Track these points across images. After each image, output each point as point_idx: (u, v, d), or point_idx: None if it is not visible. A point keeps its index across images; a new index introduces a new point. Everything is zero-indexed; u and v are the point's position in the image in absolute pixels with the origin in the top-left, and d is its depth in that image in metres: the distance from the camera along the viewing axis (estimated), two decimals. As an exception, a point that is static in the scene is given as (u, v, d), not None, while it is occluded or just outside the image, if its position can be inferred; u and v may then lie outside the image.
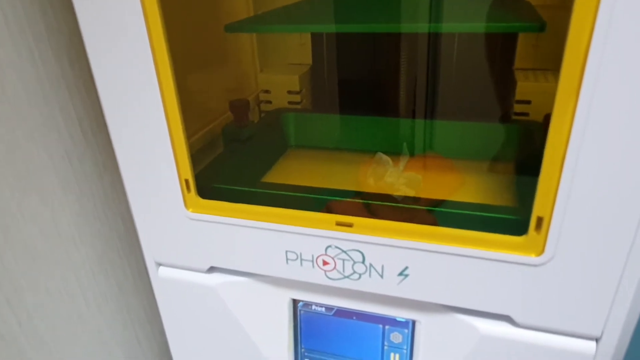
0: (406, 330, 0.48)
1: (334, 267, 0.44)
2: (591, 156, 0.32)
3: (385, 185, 0.47)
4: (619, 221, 0.34)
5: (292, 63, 0.69)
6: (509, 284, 0.39)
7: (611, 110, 0.30)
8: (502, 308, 0.41)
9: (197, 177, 0.45)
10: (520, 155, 0.53)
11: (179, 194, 0.45)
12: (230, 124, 0.61)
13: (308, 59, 0.66)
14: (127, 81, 0.41)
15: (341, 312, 0.50)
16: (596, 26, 0.29)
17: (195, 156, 0.46)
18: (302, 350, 0.54)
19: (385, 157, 0.49)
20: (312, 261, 0.45)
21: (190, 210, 0.46)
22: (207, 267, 0.50)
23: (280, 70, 0.67)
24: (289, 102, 0.66)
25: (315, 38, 0.63)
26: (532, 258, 0.37)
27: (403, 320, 0.47)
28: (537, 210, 0.36)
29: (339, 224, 0.42)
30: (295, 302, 0.51)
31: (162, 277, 0.53)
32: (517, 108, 0.54)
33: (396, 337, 0.49)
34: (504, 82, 0.56)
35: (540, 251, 0.37)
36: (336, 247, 0.43)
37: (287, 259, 0.45)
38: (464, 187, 0.50)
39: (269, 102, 0.67)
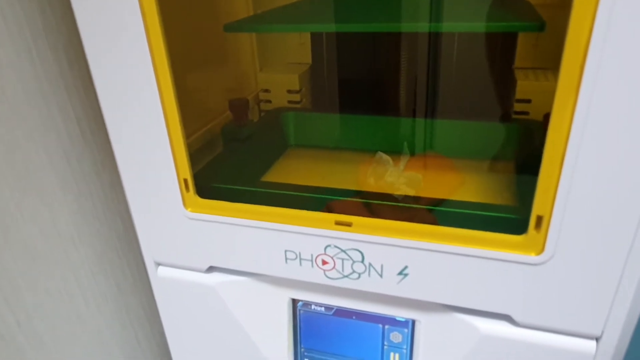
0: (406, 330, 0.48)
1: (334, 267, 0.44)
2: (591, 155, 0.32)
3: (386, 184, 0.47)
4: (618, 220, 0.34)
5: (291, 62, 0.69)
6: (509, 283, 0.39)
7: (610, 109, 0.30)
8: (502, 307, 0.41)
9: (196, 177, 0.45)
10: (520, 154, 0.53)
11: (178, 194, 0.45)
12: (229, 124, 0.61)
13: (308, 58, 0.66)
14: (126, 80, 0.41)
15: (341, 312, 0.50)
16: (595, 25, 0.29)
17: (195, 155, 0.46)
18: (302, 350, 0.53)
19: (385, 156, 0.49)
20: (312, 261, 0.44)
21: (189, 209, 0.46)
22: (207, 266, 0.50)
23: (280, 70, 0.67)
24: (289, 102, 0.66)
25: (315, 37, 0.63)
26: (532, 257, 0.37)
27: (403, 319, 0.47)
28: (536, 209, 0.36)
29: (338, 223, 0.42)
30: (294, 301, 0.51)
31: (161, 276, 0.53)
32: (517, 107, 0.54)
33: (396, 336, 0.49)
34: (504, 81, 0.56)
35: (540, 250, 0.37)
36: (335, 247, 0.43)
37: (286, 259, 0.45)
38: (464, 186, 0.50)
39: (269, 101, 0.67)
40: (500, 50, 0.56)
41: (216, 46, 0.60)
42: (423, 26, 0.49)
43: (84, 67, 0.54)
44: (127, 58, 0.40)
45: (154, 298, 0.56)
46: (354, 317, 0.49)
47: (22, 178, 0.49)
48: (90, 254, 0.59)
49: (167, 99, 0.41)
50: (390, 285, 0.43)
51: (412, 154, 0.51)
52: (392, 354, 0.50)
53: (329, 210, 0.44)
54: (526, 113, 0.54)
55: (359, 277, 0.44)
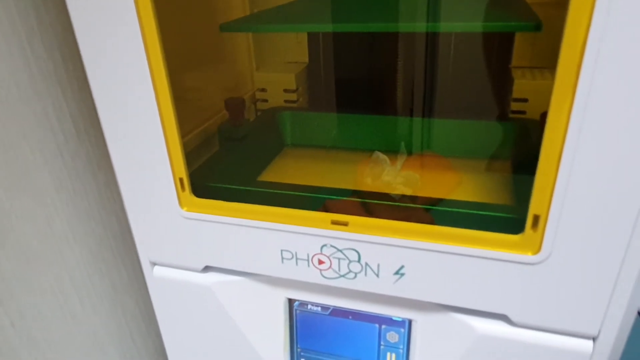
0: (402, 330, 0.48)
1: (330, 266, 0.44)
2: (587, 154, 0.32)
3: (383, 184, 0.47)
4: (615, 219, 0.34)
5: (288, 61, 0.69)
6: (506, 282, 0.39)
7: (607, 108, 0.30)
8: (499, 307, 0.41)
9: (192, 176, 0.45)
10: (517, 153, 0.53)
11: (174, 193, 0.45)
12: (225, 123, 0.60)
13: (304, 57, 0.66)
14: (121, 79, 0.41)
15: (337, 312, 0.50)
16: (592, 23, 0.28)
17: (190, 155, 0.46)
18: (298, 349, 0.53)
19: (382, 155, 0.49)
20: (308, 260, 0.44)
21: (185, 209, 0.46)
22: (202, 266, 0.50)
23: (277, 69, 0.66)
24: (285, 101, 0.65)
25: (312, 36, 0.63)
26: (529, 256, 0.37)
27: (399, 319, 0.47)
28: (533, 209, 0.35)
29: (334, 222, 0.42)
30: (291, 301, 0.51)
31: (157, 276, 0.53)
32: (514, 106, 0.54)
33: (392, 336, 0.49)
34: (501, 80, 0.56)
35: (537, 249, 0.37)
36: (332, 246, 0.43)
37: (282, 258, 0.45)
38: (461, 185, 0.50)
39: (265, 100, 0.66)
40: (497, 49, 0.56)
41: (212, 45, 0.60)
42: (420, 26, 0.49)
43: (79, 66, 0.54)
44: (122, 57, 0.39)
45: (150, 298, 0.56)
46: (350, 317, 0.49)
47: (16, 177, 0.48)
48: (85, 254, 0.59)
49: (163, 98, 0.40)
50: (386, 285, 0.43)
51: (409, 153, 0.51)
52: (388, 354, 0.50)
53: (326, 209, 0.43)
54: (523, 112, 0.54)
55: (356, 276, 0.44)
